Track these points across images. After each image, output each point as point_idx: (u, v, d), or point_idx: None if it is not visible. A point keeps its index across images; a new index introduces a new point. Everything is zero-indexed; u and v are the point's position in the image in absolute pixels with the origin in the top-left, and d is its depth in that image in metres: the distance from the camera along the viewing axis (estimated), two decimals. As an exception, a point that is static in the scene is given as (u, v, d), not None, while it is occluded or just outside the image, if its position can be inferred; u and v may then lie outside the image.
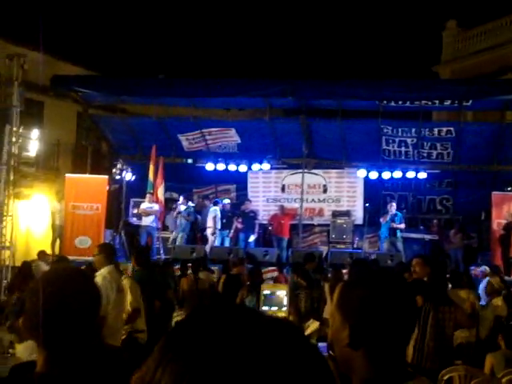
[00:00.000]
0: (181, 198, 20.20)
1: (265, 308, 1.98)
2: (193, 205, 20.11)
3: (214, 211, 19.70)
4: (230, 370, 0.90)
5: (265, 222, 20.93)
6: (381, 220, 19.04)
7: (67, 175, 19.94)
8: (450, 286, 9.52)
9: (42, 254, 15.92)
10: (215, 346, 0.92)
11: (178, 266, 14.70)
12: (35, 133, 19.74)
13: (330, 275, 12.69)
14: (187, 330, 0.97)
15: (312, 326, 7.65)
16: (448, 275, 10.73)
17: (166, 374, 0.92)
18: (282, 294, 1.93)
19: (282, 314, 1.94)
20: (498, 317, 9.58)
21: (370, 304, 2.06)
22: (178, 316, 9.65)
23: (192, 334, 0.95)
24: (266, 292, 1.97)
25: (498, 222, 18.13)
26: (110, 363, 2.38)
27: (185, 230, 19.53)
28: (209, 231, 19.73)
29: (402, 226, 18.90)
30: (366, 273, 2.23)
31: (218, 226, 19.55)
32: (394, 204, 19.21)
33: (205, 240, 19.88)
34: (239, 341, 0.93)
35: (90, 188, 19.17)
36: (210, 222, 19.69)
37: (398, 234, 18.75)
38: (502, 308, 9.79)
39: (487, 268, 15.20)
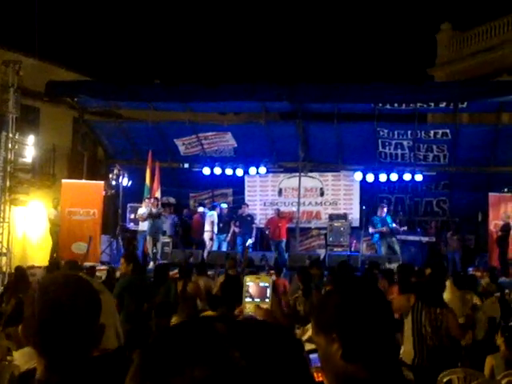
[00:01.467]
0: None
1: (248, 299, 1.98)
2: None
3: (211, 215, 19.70)
4: None
5: (262, 226, 20.92)
6: (370, 231, 19.04)
7: (63, 181, 19.92)
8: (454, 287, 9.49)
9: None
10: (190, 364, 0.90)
11: (175, 271, 14.69)
12: (31, 139, 19.71)
13: (326, 279, 12.65)
14: (161, 352, 0.94)
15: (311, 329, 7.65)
16: (451, 276, 10.75)
17: None
18: (265, 285, 1.92)
19: (264, 306, 1.95)
20: (492, 318, 9.57)
21: (347, 312, 2.03)
22: (174, 321, 9.62)
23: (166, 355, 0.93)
24: (249, 283, 1.97)
25: (495, 224, 18.16)
26: (108, 370, 2.36)
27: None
28: (206, 235, 19.72)
29: (398, 227, 19.00)
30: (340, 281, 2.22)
31: (215, 230, 19.56)
32: (385, 209, 19.19)
33: (202, 244, 19.88)
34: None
35: (86, 194, 19.15)
36: (207, 227, 19.69)
37: (395, 235, 18.76)
38: (494, 309, 9.76)
39: None
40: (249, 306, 2.30)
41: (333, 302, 2.06)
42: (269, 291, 2.30)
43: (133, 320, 9.07)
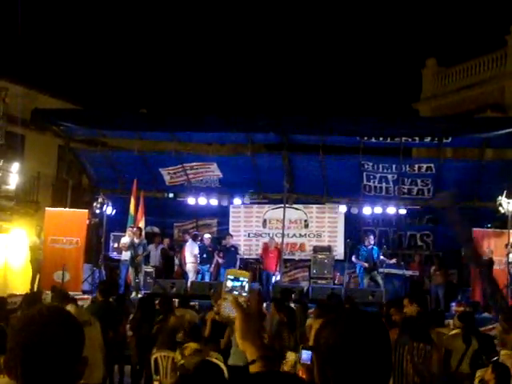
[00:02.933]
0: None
1: (227, 290, 2.02)
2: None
3: (192, 245, 19.68)
4: None
5: (246, 257, 20.86)
6: (353, 259, 19.07)
7: (47, 209, 19.78)
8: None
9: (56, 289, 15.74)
10: None
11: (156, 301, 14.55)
12: (15, 166, 19.65)
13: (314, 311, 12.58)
14: None
15: (290, 359, 7.56)
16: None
17: None
18: (245, 281, 1.96)
19: (241, 300, 1.99)
20: (448, 351, 9.43)
21: (338, 343, 2.02)
22: (155, 353, 9.53)
23: None
24: (230, 277, 2.00)
25: (478, 259, 18.16)
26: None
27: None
28: (190, 266, 19.65)
29: (387, 260, 19.05)
30: (337, 312, 2.21)
31: (198, 260, 19.51)
32: (371, 237, 19.25)
33: (185, 275, 19.78)
34: None
35: (70, 222, 19.00)
36: (191, 258, 19.64)
37: (378, 269, 18.76)
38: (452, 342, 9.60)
39: None
40: (227, 297, 2.37)
41: (328, 334, 2.06)
42: (247, 286, 2.37)
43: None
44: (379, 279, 18.61)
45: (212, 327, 11.06)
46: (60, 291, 11.57)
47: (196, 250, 19.67)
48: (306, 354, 2.95)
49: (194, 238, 20.02)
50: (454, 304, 17.62)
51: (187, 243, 20.04)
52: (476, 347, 9.02)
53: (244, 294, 2.35)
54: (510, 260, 17.63)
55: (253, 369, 2.23)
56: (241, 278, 2.39)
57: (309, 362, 2.84)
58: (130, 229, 18.94)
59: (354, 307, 12.25)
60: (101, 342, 8.15)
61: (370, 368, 2.02)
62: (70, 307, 6.84)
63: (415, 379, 7.02)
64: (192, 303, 15.70)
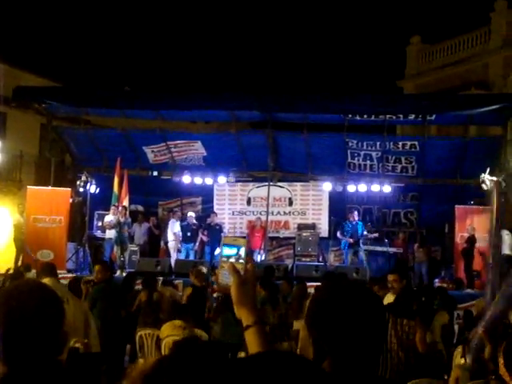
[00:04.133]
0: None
1: (224, 259, 2.00)
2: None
3: (173, 224, 19.71)
4: None
5: (230, 235, 20.88)
6: (338, 235, 19.17)
7: (29, 187, 19.64)
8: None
9: (27, 266, 15.78)
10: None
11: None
12: (-3, 144, 19.47)
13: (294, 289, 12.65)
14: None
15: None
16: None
17: None
18: (241, 247, 1.95)
19: (239, 266, 1.98)
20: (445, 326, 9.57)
21: (337, 315, 2.03)
22: (140, 331, 9.52)
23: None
24: (227, 244, 1.99)
25: (461, 236, 18.30)
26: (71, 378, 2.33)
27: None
28: (171, 244, 19.65)
29: (369, 235, 19.17)
30: (336, 286, 2.23)
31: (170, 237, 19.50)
32: (356, 213, 19.35)
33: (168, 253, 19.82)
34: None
35: (53, 200, 18.89)
36: (171, 236, 19.66)
37: (361, 245, 18.88)
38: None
39: None
40: (224, 265, 2.39)
41: (314, 296, 2.15)
42: (243, 253, 2.38)
43: (111, 328, 9.01)
44: (361, 254, 18.75)
45: (190, 302, 11.04)
46: (48, 264, 11.56)
47: (177, 228, 19.66)
48: None
49: (175, 217, 20.02)
50: (437, 280, 17.78)
51: (169, 222, 20.05)
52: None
53: (241, 261, 2.36)
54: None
55: (248, 335, 2.26)
56: (237, 245, 2.41)
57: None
58: (114, 207, 18.87)
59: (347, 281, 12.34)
60: (80, 321, 8.07)
61: (366, 338, 2.04)
62: (47, 280, 6.73)
63: (400, 354, 7.06)
64: (177, 281, 15.77)
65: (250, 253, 2.46)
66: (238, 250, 2.38)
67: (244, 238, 2.57)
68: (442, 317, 9.63)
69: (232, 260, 2.37)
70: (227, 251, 2.39)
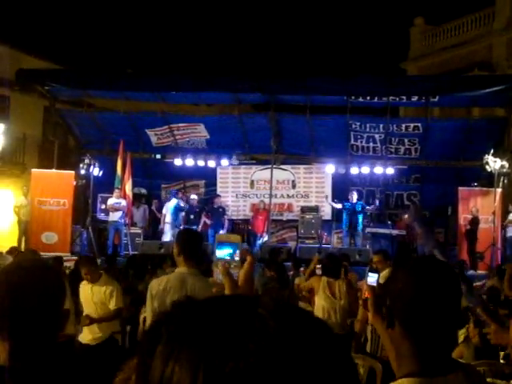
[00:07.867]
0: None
1: (219, 256, 2.00)
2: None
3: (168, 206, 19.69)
4: (246, 352, 0.83)
5: (234, 218, 20.93)
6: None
7: (33, 170, 19.69)
8: None
9: (13, 249, 15.73)
10: (224, 329, 0.85)
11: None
12: (1, 127, 19.48)
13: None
14: (190, 317, 0.89)
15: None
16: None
17: (178, 367, 0.83)
18: (236, 245, 1.94)
19: (233, 265, 1.98)
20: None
21: (412, 288, 2.04)
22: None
23: (196, 319, 0.88)
24: (220, 243, 1.97)
25: (464, 217, 18.32)
26: (72, 355, 2.35)
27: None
28: (166, 227, 19.58)
29: (369, 207, 19.25)
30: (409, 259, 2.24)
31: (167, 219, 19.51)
32: (355, 193, 19.33)
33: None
34: (248, 322, 0.86)
35: (57, 183, 18.94)
36: (168, 217, 19.62)
37: (359, 228, 18.89)
38: None
39: None
40: (217, 265, 2.36)
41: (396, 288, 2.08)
42: (238, 251, 2.34)
43: None
44: (358, 238, 18.80)
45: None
46: (29, 250, 11.58)
47: (170, 211, 19.59)
48: (372, 277, 3.02)
49: (170, 199, 20.00)
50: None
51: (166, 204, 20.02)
52: None
53: (236, 259, 2.32)
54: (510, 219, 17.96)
55: None
56: (232, 243, 2.36)
57: (374, 284, 2.95)
58: (117, 190, 18.92)
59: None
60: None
61: (443, 315, 2.03)
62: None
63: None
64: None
65: (250, 241, 2.42)
66: (233, 248, 2.33)
67: (238, 235, 2.50)
68: None
69: (227, 258, 2.33)
70: (220, 253, 2.33)
